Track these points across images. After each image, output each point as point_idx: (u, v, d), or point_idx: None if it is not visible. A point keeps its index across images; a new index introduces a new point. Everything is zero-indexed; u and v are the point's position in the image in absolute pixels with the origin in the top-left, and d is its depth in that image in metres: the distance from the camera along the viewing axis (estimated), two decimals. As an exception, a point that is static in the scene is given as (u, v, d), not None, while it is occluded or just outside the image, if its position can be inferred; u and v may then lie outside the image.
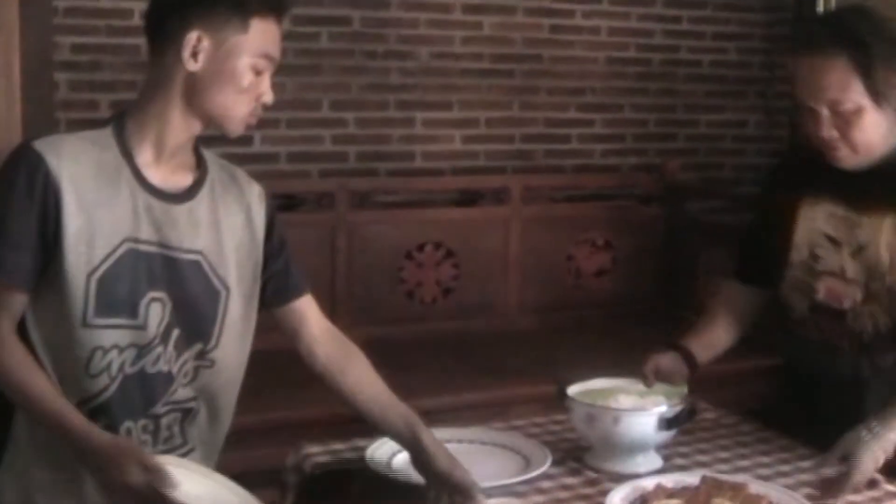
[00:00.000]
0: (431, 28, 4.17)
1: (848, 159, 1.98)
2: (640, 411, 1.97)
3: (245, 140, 3.69)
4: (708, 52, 4.67)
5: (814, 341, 2.11)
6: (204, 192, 1.85)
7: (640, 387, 2.10)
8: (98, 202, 1.72)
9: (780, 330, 2.19)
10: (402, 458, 1.96)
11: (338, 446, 2.08)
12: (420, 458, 1.82)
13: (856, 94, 1.91)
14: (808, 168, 2.05)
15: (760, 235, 2.25)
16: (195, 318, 1.82)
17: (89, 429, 1.64)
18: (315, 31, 3.97)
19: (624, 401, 2.01)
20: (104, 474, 1.58)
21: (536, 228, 4.26)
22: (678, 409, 1.98)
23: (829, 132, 1.95)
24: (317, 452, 2.06)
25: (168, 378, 1.81)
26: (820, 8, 4.38)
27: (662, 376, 2.13)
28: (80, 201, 1.70)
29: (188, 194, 1.82)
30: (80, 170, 1.71)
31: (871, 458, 1.82)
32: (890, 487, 1.90)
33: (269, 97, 1.80)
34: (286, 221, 3.88)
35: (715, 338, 2.24)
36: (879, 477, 1.91)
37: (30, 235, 1.69)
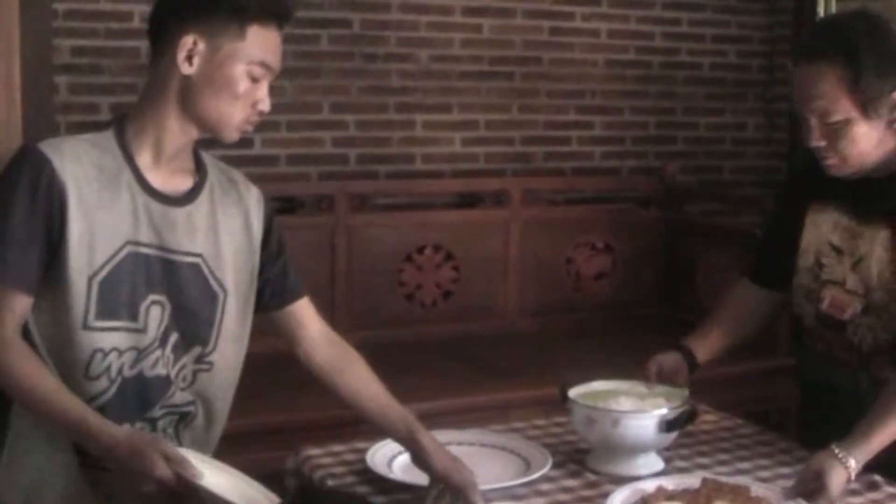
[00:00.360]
0: (431, 31, 4.16)
1: (838, 169, 1.98)
2: (640, 413, 1.96)
3: (245, 142, 3.68)
4: (707, 54, 4.66)
5: (819, 351, 2.10)
6: (203, 196, 1.85)
7: (642, 389, 2.09)
8: (99, 205, 1.72)
9: (794, 337, 2.20)
10: (402, 461, 1.97)
11: (338, 448, 2.08)
12: (420, 458, 1.82)
13: (844, 106, 1.90)
14: (818, 174, 2.04)
15: (774, 237, 2.25)
16: (194, 322, 1.83)
17: (106, 426, 1.63)
18: (315, 34, 3.97)
19: (624, 403, 2.01)
20: (128, 468, 1.58)
21: (536, 231, 4.26)
22: (679, 411, 1.98)
23: (818, 141, 1.95)
24: (316, 455, 2.06)
25: (166, 381, 1.81)
26: (821, 10, 4.38)
27: (665, 376, 2.13)
28: (82, 203, 1.70)
29: (188, 198, 1.83)
30: (82, 172, 1.71)
31: (841, 480, 1.80)
32: (891, 489, 1.89)
33: (265, 105, 1.79)
34: (285, 224, 3.88)
35: (719, 337, 2.25)
36: (880, 479, 1.91)
37: (35, 237, 1.68)
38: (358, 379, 1.93)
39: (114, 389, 1.75)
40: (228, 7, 1.73)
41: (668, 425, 1.96)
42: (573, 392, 2.06)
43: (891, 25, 1.95)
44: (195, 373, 1.85)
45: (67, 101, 3.59)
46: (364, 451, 2.00)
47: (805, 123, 1.96)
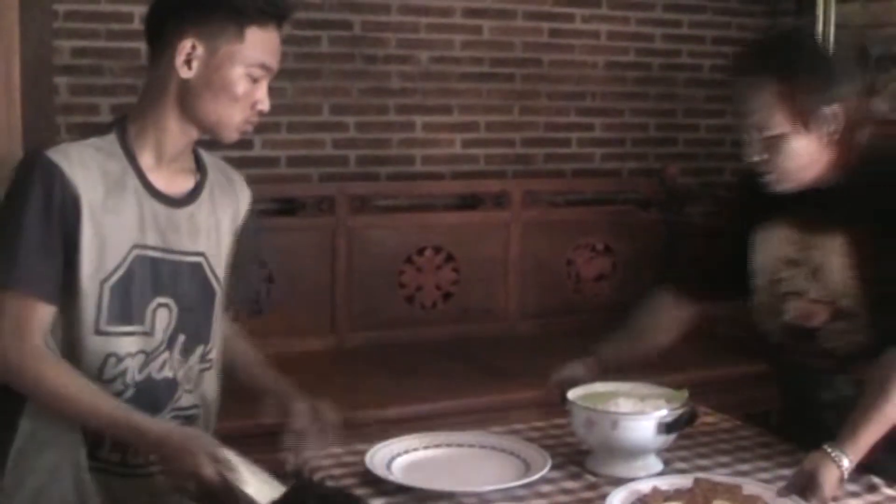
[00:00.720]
0: (431, 32, 4.17)
1: (777, 183, 2.00)
2: (639, 415, 1.96)
3: (245, 144, 3.69)
4: (708, 56, 4.66)
5: (793, 363, 2.10)
6: (204, 196, 1.86)
7: (642, 390, 2.09)
8: (106, 209, 1.72)
9: (766, 353, 2.20)
10: (402, 462, 1.97)
11: (337, 450, 2.07)
12: (287, 407, 1.91)
13: (780, 121, 1.93)
14: (760, 193, 2.06)
15: (713, 255, 2.27)
16: (197, 321, 1.84)
17: (152, 421, 1.66)
18: (315, 35, 3.97)
19: (624, 405, 2.01)
20: (173, 463, 1.59)
21: (536, 233, 4.26)
22: (678, 413, 1.98)
23: (756, 155, 1.98)
24: (316, 456, 2.05)
25: (173, 384, 1.82)
26: (819, 12, 4.37)
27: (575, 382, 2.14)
28: (91, 209, 1.71)
29: (189, 198, 1.83)
30: (90, 177, 1.72)
31: (834, 479, 1.80)
32: (889, 491, 1.89)
33: (264, 105, 1.79)
34: (286, 226, 3.89)
35: (630, 346, 2.29)
36: (879, 481, 1.91)
37: (52, 246, 1.69)
38: (244, 356, 2.02)
39: (128, 394, 1.76)
40: (226, 9, 1.73)
41: (667, 427, 1.96)
42: (572, 394, 2.07)
43: (824, 41, 1.98)
44: (200, 372, 1.86)
45: (68, 103, 3.59)
46: (363, 452, 2.00)
47: (744, 138, 1.99)
